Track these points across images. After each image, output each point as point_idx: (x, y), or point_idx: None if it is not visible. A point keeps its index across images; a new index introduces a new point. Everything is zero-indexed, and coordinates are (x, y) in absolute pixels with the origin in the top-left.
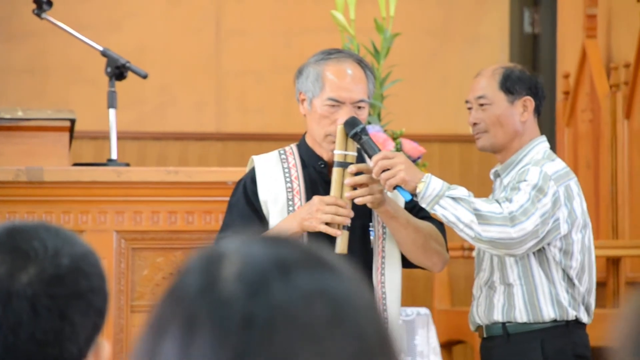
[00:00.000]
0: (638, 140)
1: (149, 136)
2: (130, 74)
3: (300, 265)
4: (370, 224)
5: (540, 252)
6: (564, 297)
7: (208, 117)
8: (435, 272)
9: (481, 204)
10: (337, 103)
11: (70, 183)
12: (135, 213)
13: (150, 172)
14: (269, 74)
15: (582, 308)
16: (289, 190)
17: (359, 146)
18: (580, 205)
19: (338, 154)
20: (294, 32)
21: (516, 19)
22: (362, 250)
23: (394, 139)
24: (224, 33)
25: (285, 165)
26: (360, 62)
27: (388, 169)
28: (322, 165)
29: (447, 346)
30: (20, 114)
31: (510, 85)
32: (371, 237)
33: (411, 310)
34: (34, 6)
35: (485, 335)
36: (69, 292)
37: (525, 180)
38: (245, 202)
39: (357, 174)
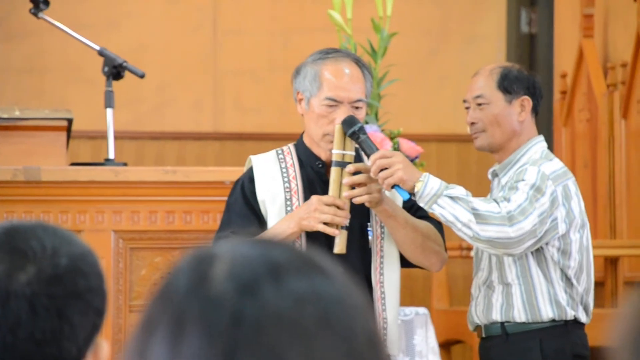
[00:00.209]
0: (635, 139)
1: (147, 136)
2: (127, 74)
3: (291, 266)
4: (369, 223)
5: (539, 252)
6: (563, 297)
7: (205, 116)
8: (434, 272)
9: (479, 203)
10: (334, 102)
11: (67, 183)
12: (133, 213)
13: (148, 171)
14: (266, 74)
15: (580, 308)
16: (287, 190)
17: (357, 145)
18: (578, 204)
19: (336, 153)
20: (292, 32)
21: (513, 19)
22: (360, 249)
23: (392, 138)
24: (222, 33)
25: (283, 165)
26: (358, 62)
27: (386, 168)
28: (320, 165)
29: (445, 346)
30: (17, 114)
31: (508, 84)
32: (369, 237)
33: (410, 310)
34: (31, 6)
35: (483, 335)
36: (68, 291)
37: (523, 180)
38: (243, 201)
39: (355, 173)
